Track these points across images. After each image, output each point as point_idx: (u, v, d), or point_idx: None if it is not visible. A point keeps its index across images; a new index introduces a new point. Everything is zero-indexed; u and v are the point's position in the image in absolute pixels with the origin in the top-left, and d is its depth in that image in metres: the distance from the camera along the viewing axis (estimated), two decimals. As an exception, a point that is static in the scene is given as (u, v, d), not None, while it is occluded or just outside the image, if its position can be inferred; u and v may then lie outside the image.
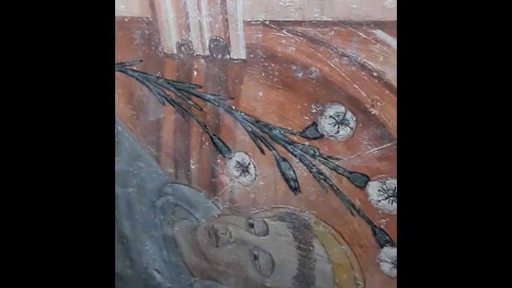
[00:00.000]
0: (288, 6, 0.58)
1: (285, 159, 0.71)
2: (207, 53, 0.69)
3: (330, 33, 0.57)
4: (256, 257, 0.84)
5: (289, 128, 0.68)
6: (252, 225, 0.81)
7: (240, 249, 0.85)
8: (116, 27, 0.76)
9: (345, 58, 0.58)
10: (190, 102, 0.75)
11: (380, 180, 0.63)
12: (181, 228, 0.92)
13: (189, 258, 0.96)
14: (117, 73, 0.81)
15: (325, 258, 0.75)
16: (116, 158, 0.92)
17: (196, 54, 0.70)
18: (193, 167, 0.82)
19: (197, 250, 0.93)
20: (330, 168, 0.67)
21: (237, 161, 0.76)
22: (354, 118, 0.61)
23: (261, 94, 0.67)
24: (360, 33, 0.56)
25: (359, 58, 0.57)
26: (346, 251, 0.72)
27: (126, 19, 0.74)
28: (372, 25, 0.54)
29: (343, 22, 0.56)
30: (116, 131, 0.89)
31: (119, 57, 0.79)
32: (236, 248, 0.86)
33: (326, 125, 0.64)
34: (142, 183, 0.92)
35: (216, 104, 0.73)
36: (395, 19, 0.52)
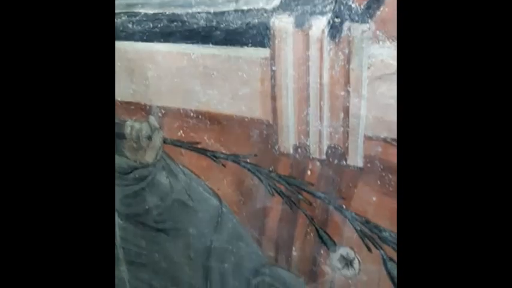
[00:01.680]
0: (412, 128, 0.64)
1: (392, 260, 0.74)
2: (324, 157, 0.75)
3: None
4: None
5: (401, 233, 0.71)
6: (350, 316, 0.84)
7: (334, 336, 0.88)
8: (235, 125, 0.84)
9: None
10: (300, 196, 0.81)
11: None
12: (275, 308, 0.96)
13: (278, 338, 0.98)
14: (229, 163, 0.89)
15: None
16: (216, 236, 0.99)
17: (312, 157, 0.76)
18: (294, 253, 0.87)
19: (288, 331, 0.95)
20: (441, 275, 0.69)
21: (341, 255, 0.80)
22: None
23: (374, 199, 0.72)
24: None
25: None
26: None
27: (246, 119, 0.82)
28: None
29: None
30: (220, 211, 0.96)
31: (233, 150, 0.87)
32: (331, 334, 0.88)
33: (441, 236, 0.67)
34: (240, 261, 0.97)
35: (327, 202, 0.78)
36: None
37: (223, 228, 0.97)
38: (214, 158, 0.90)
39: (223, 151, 0.88)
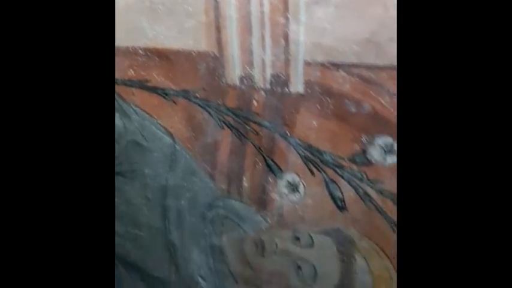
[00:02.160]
0: (345, 51, 0.67)
1: (333, 181, 0.79)
2: (268, 86, 0.78)
3: (383, 76, 0.66)
4: (299, 268, 0.92)
5: (339, 154, 0.76)
6: (298, 238, 0.90)
7: (284, 260, 0.94)
8: (183, 59, 0.86)
9: (395, 97, 0.67)
10: (247, 127, 0.84)
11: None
12: (229, 238, 1.00)
13: (234, 266, 1.04)
14: (179, 99, 0.91)
15: (366, 270, 0.83)
16: (170, 173, 1.02)
17: (257, 87, 0.79)
18: (245, 184, 0.91)
19: (243, 259, 1.01)
20: (376, 191, 0.75)
21: (287, 181, 0.85)
22: (401, 148, 0.69)
23: (315, 123, 0.76)
24: (410, 77, 0.64)
25: (408, 97, 0.66)
26: (386, 265, 0.80)
27: (193, 53, 0.84)
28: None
29: (395, 67, 0.65)
30: (173, 149, 0.98)
31: (183, 85, 0.89)
32: (281, 258, 0.94)
33: (374, 153, 0.72)
34: (195, 196, 1.00)
35: (272, 130, 0.82)
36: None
37: (178, 166, 0.99)
38: (165, 96, 0.91)
39: (173, 87, 0.90)
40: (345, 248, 0.84)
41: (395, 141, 0.70)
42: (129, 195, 1.10)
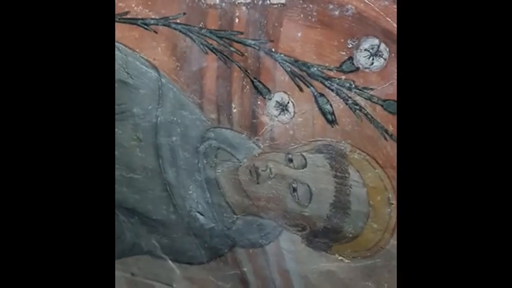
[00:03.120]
0: (325, -51, 0.65)
1: (322, 95, 0.79)
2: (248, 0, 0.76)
3: (364, -29, 0.64)
4: (295, 189, 0.93)
5: (327, 64, 0.75)
6: (291, 160, 0.90)
7: (279, 184, 0.94)
8: (160, -17, 0.82)
9: (379, -6, 0.65)
10: (232, 48, 0.83)
11: (411, 104, 0.70)
12: (224, 169, 1.01)
13: (231, 198, 1.04)
14: (160, 28, 0.88)
15: (360, 183, 0.84)
16: (160, 109, 1.00)
17: (238, 2, 0.77)
18: (234, 110, 0.90)
19: (239, 189, 1.01)
20: (364, 98, 0.75)
21: (276, 101, 0.84)
22: (387, 49, 0.68)
23: (299, 34, 0.75)
24: (393, -30, 0.62)
25: (391, -7, 0.64)
26: (380, 174, 0.81)
27: (169, -26, 0.81)
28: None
29: (377, -40, 0.63)
30: (159, 83, 0.96)
31: (162, 12, 0.86)
32: (276, 182, 0.94)
33: (361, 58, 0.71)
34: (186, 131, 1.00)
35: (257, 48, 0.80)
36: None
37: (166, 100, 0.98)
38: (145, 26, 0.89)
39: (153, 16, 0.87)
40: (338, 163, 0.84)
41: (381, 42, 0.69)
42: (121, 139, 1.09)
